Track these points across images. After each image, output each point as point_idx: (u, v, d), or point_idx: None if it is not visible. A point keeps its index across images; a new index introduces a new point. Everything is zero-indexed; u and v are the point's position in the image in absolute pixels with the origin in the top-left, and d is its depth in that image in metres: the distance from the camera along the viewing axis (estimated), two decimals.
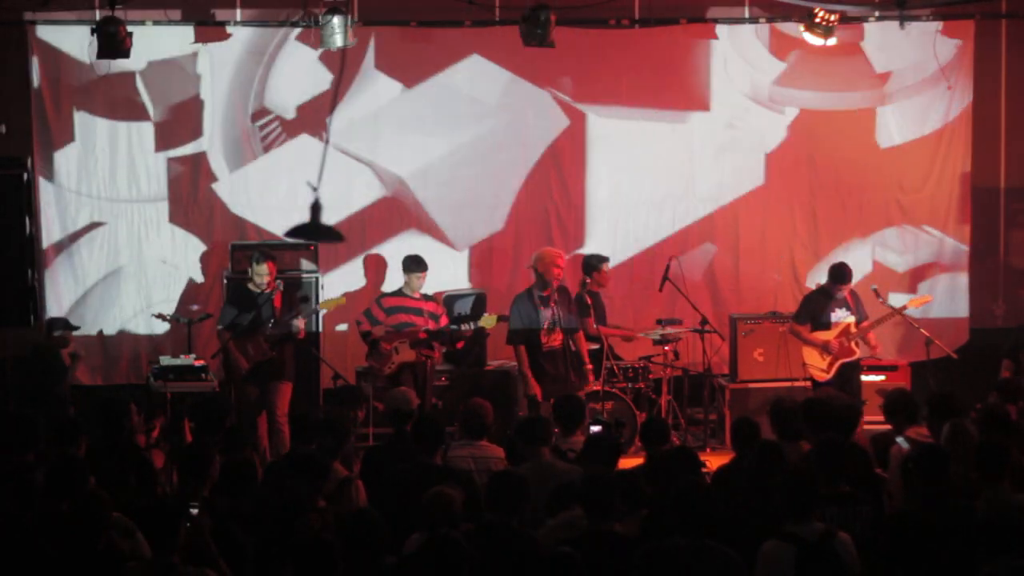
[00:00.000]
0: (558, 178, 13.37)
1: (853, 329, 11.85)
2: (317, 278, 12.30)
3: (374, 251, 13.14)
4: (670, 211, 13.46)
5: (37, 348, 11.72)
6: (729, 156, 13.46)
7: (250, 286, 11.41)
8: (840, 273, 11.86)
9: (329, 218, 12.61)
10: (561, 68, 13.01)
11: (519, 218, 13.32)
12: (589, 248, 13.20)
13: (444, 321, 11.66)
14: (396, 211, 13.22)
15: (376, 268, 13.11)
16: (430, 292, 11.80)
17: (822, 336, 11.85)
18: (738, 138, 13.46)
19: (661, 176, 13.45)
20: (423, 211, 13.24)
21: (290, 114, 12.97)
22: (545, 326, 11.31)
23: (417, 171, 13.17)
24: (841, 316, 11.88)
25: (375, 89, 13.05)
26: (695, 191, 13.47)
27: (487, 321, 11.52)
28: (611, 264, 12.51)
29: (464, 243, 13.33)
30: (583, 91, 13.30)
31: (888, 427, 8.50)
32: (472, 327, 11.50)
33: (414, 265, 11.66)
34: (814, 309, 11.96)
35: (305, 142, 12.94)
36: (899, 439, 8.13)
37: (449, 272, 13.06)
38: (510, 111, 13.25)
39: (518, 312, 11.41)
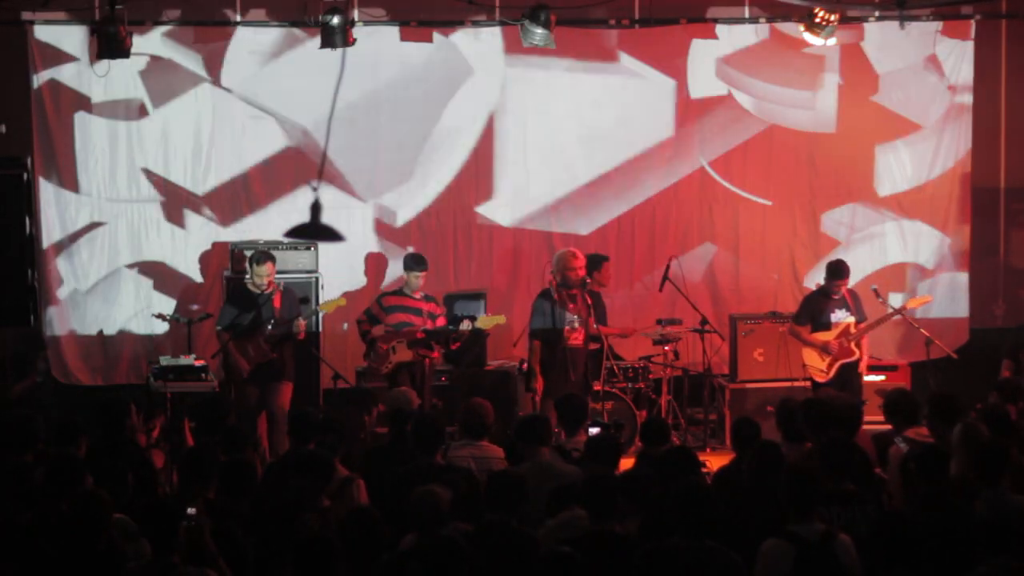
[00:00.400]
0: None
1: (853, 329, 11.84)
2: (317, 278, 12.29)
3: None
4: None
5: (16, 352, 11.90)
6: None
7: (250, 286, 11.41)
8: (837, 269, 11.85)
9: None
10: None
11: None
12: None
13: (442, 322, 11.65)
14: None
15: (376, 267, 13.09)
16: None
17: (822, 337, 11.83)
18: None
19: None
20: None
21: (290, 113, 12.95)
22: (575, 324, 11.37)
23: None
24: (841, 316, 11.87)
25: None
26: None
27: (485, 322, 11.52)
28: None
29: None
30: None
31: (888, 427, 8.49)
32: (471, 327, 11.49)
33: (414, 263, 11.66)
34: (814, 310, 11.95)
35: (304, 141, 12.94)
36: (899, 439, 8.13)
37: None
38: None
39: (540, 309, 11.46)
